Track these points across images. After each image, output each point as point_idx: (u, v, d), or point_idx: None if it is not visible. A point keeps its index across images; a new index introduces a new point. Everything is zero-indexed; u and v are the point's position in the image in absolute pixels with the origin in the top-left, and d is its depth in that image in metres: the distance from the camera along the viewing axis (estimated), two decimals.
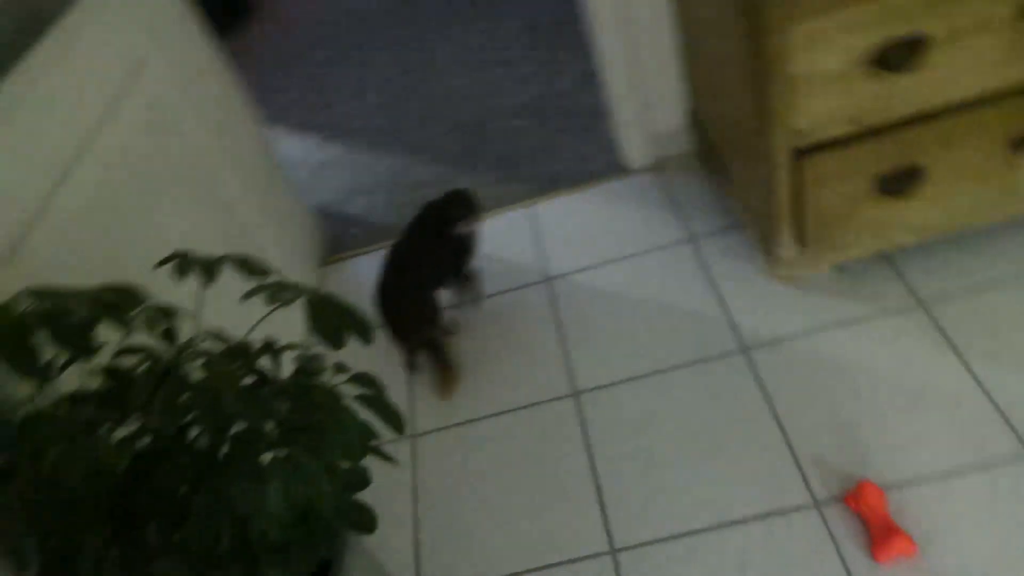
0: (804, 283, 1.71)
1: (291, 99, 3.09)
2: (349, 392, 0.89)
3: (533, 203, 2.18)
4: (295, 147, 2.78)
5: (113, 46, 1.49)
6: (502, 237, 2.10)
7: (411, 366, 1.82)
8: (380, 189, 2.43)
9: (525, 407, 1.66)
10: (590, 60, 2.64)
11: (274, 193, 2.04)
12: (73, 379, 0.91)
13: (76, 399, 0.84)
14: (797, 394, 1.51)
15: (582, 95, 2.52)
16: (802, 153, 1.43)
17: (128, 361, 0.84)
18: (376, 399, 0.88)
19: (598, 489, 1.48)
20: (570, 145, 2.34)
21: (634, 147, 2.12)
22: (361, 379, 0.90)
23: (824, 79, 1.32)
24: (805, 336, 1.60)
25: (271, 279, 0.91)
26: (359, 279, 2.14)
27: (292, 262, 2.04)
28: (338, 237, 2.31)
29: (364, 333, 0.88)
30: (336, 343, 0.85)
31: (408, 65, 3.03)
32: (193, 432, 0.81)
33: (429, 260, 1.77)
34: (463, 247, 1.82)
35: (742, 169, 1.69)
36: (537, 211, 2.15)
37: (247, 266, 0.89)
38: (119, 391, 0.81)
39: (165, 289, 1.02)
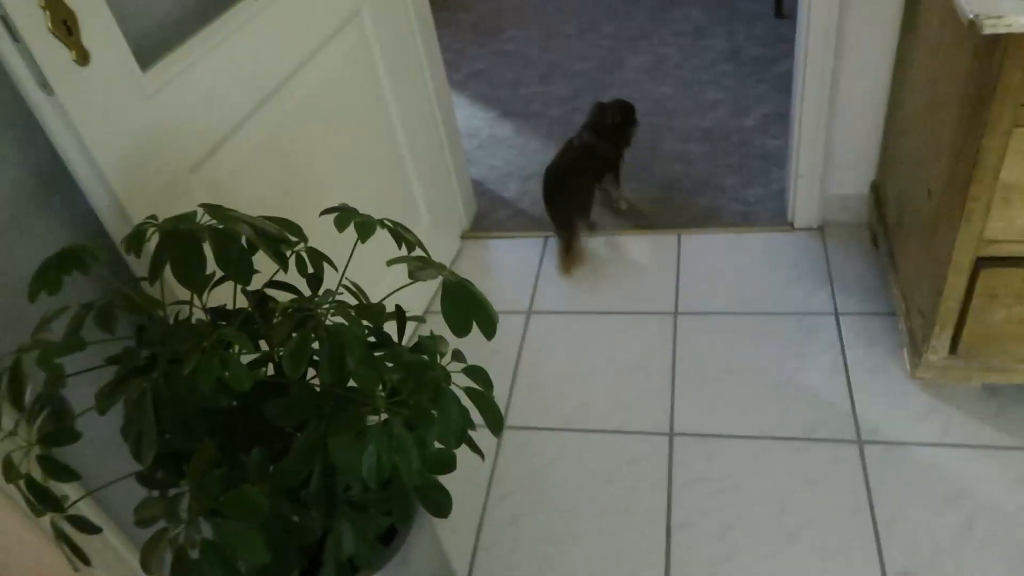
0: (945, 393, 1.59)
1: (480, 69, 3.16)
2: (460, 381, 0.91)
3: (683, 231, 2.14)
4: (473, 117, 2.85)
5: None
6: (644, 257, 2.08)
7: (567, 247, 2.10)
8: (535, 177, 2.46)
9: (616, 431, 1.65)
10: (781, 104, 2.55)
11: (441, 156, 2.10)
12: (222, 295, 0.99)
13: (220, 314, 0.91)
14: (903, 503, 1.41)
15: (764, 137, 2.44)
16: (984, 262, 1.33)
17: (276, 296, 0.90)
18: (482, 396, 0.90)
19: (668, 534, 1.45)
20: (737, 184, 2.27)
21: (803, 203, 2.03)
22: (474, 372, 0.92)
23: None
24: (931, 447, 1.50)
25: (416, 253, 0.94)
26: (495, 261, 2.18)
27: (439, 225, 2.10)
28: (485, 214, 2.35)
29: (489, 328, 0.90)
30: (461, 331, 0.87)
31: (602, 62, 3.03)
32: (312, 374, 0.86)
33: (595, 153, 2.14)
34: (622, 143, 2.19)
35: (913, 259, 1.59)
36: (685, 241, 2.11)
37: (399, 234, 0.93)
38: (262, 319, 0.87)
39: (319, 231, 1.08)
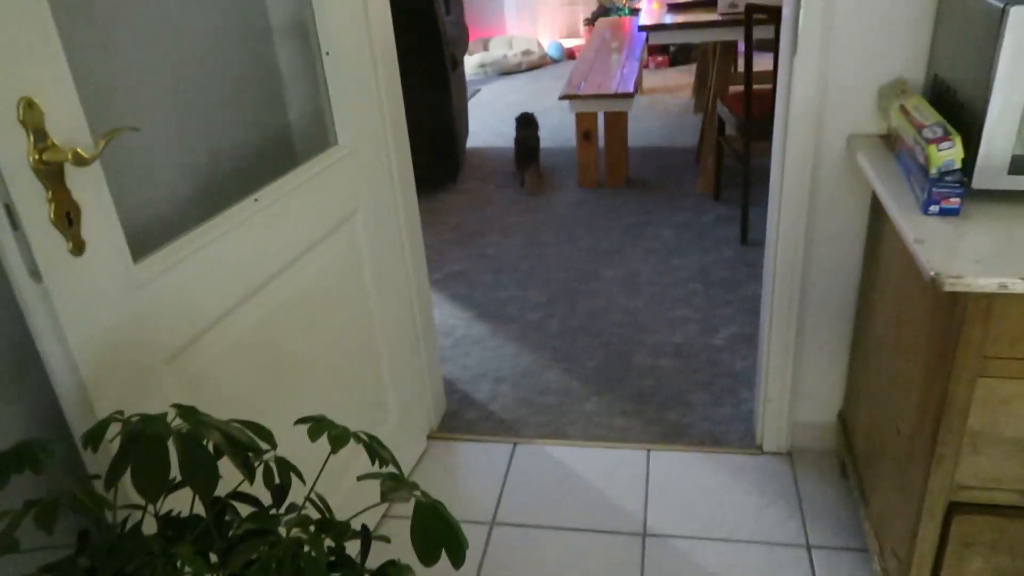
0: None
1: (460, 271, 3.26)
2: None
3: (652, 447, 2.12)
4: (450, 316, 2.90)
5: (340, 192, 1.65)
6: (613, 471, 2.04)
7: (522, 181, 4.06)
8: (507, 382, 2.47)
9: None
10: (748, 325, 2.64)
11: (416, 354, 2.11)
12: (179, 497, 0.93)
13: (174, 523, 0.85)
14: None
15: (733, 356, 2.50)
16: (958, 507, 1.32)
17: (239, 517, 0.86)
18: None
19: None
20: (707, 402, 2.29)
21: (772, 428, 2.04)
22: None
23: (1004, 443, 1.23)
24: None
25: (389, 469, 0.91)
26: (461, 464, 2.12)
27: (407, 423, 2.07)
28: (454, 414, 2.33)
29: (457, 556, 0.86)
30: (429, 560, 0.83)
31: (578, 272, 3.16)
32: None
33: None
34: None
35: (883, 496, 1.58)
36: (654, 457, 2.08)
37: (373, 450, 0.91)
38: (219, 532, 0.82)
39: (292, 424, 1.05)
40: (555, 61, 6.85)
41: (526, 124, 4.15)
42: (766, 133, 3.03)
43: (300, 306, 1.54)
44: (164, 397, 1.19)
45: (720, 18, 3.19)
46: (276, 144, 1.72)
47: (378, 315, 1.87)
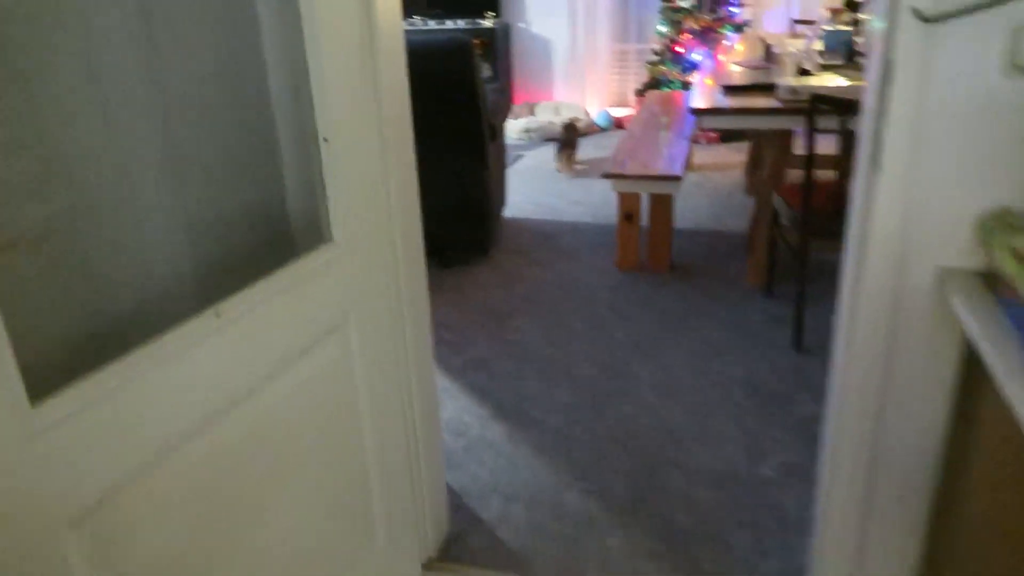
0: None
1: (482, 358, 3.01)
2: None
3: None
4: (465, 412, 2.64)
5: (330, 297, 1.42)
6: None
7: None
8: (520, 501, 2.18)
9: None
10: (802, 454, 2.33)
11: (414, 471, 1.84)
12: None
13: None
14: None
15: (782, 491, 2.18)
16: None
17: None
18: None
19: None
20: (749, 546, 1.97)
21: None
22: None
23: None
24: None
25: None
26: None
27: (398, 548, 1.79)
28: (457, 538, 2.04)
29: None
30: None
31: (609, 369, 2.88)
32: None
33: None
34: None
35: None
36: None
37: None
38: None
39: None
40: (603, 130, 6.68)
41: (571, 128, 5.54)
42: (825, 230, 2.76)
43: (268, 435, 1.30)
44: (66, 571, 0.94)
45: (780, 104, 2.95)
46: (269, 239, 1.50)
47: (370, 433, 1.62)
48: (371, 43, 1.47)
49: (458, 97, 3.45)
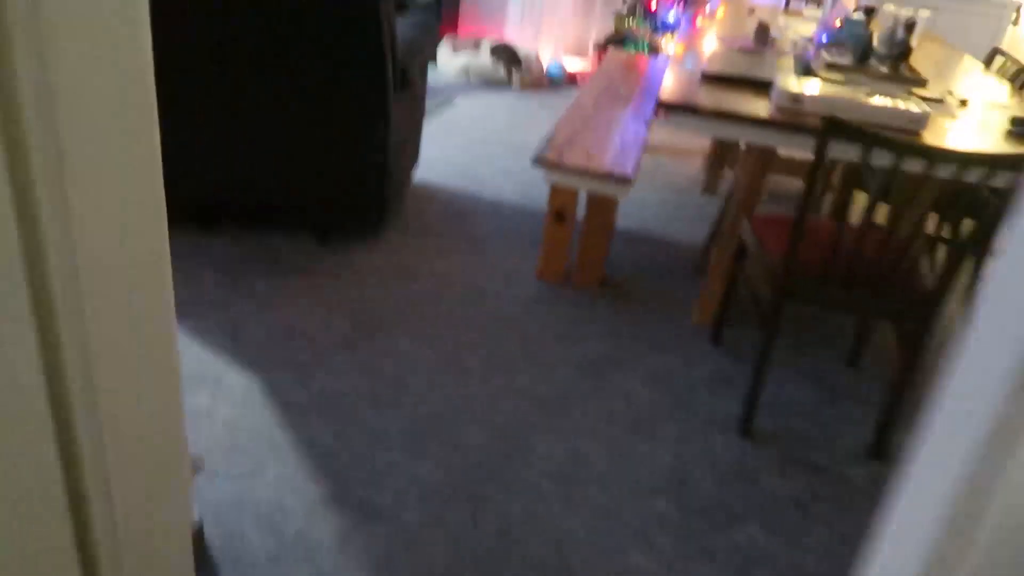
0: None
1: (336, 391, 2.26)
2: None
3: None
4: (289, 487, 1.89)
5: None
6: None
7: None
8: None
9: None
10: None
11: None
12: None
13: None
14: None
15: None
16: None
17: None
18: None
19: None
20: None
21: None
22: None
23: None
24: None
25: None
26: None
27: None
28: None
29: None
30: None
31: (500, 438, 2.17)
32: None
33: None
34: None
35: None
36: None
37: None
38: None
39: None
40: (552, 82, 5.83)
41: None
42: (810, 294, 2.08)
43: None
44: None
45: (776, 114, 2.20)
46: None
47: None
48: None
49: (357, 42, 2.59)
